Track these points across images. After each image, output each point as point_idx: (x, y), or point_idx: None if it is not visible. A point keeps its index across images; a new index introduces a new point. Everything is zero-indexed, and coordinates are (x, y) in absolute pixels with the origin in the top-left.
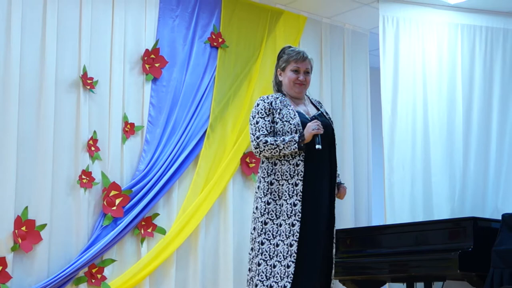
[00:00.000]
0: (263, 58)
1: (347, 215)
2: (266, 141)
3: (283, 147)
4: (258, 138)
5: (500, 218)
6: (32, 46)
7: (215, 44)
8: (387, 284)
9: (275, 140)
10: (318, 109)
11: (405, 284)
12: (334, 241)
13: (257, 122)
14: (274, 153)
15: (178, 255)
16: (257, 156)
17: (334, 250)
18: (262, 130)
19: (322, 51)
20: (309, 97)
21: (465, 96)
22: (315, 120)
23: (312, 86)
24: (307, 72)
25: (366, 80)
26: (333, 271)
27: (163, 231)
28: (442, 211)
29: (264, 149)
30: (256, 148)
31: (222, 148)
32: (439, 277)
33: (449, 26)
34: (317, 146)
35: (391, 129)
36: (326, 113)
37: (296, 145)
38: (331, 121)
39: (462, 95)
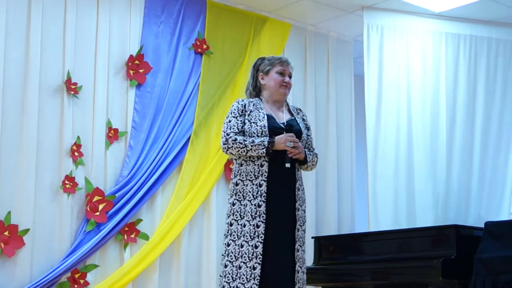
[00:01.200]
0: (248, 64)
1: (331, 222)
2: (235, 139)
3: (251, 149)
4: (228, 135)
5: (483, 226)
6: (16, 51)
7: (199, 50)
8: None
9: (244, 140)
10: (292, 115)
11: None
12: (301, 244)
13: (230, 121)
14: (241, 152)
15: (161, 260)
16: (224, 153)
17: (302, 253)
18: (233, 128)
19: (306, 59)
20: (288, 104)
21: (449, 105)
22: (292, 135)
23: (296, 93)
24: (290, 76)
25: (350, 87)
26: (300, 275)
27: (146, 237)
28: (425, 219)
29: (232, 146)
30: (224, 144)
31: (206, 154)
32: (421, 285)
33: (433, 34)
34: (287, 165)
35: (375, 136)
36: (303, 119)
37: (264, 150)
38: (307, 127)
39: (446, 104)
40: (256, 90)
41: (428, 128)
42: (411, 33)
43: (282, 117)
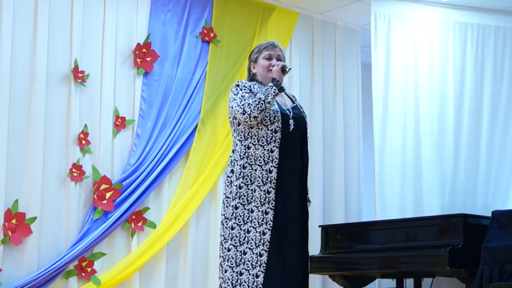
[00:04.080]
0: None
1: (338, 210)
2: (249, 103)
3: (265, 96)
4: (243, 106)
5: (490, 215)
6: (24, 40)
7: (206, 38)
8: (376, 280)
9: (254, 99)
10: (293, 102)
11: (394, 280)
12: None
13: (243, 96)
14: (261, 106)
15: (168, 249)
16: (248, 123)
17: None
18: (247, 100)
19: (313, 47)
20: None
21: (456, 93)
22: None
23: (303, 82)
24: (279, 59)
25: (357, 76)
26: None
27: (153, 225)
28: (432, 208)
29: (252, 110)
30: (243, 114)
31: (213, 143)
32: (428, 273)
33: (440, 23)
34: (289, 67)
35: (382, 125)
36: (300, 106)
37: (274, 88)
38: (305, 114)
39: (453, 92)
40: (252, 79)
41: (435, 117)
42: (419, 22)
43: (285, 103)
